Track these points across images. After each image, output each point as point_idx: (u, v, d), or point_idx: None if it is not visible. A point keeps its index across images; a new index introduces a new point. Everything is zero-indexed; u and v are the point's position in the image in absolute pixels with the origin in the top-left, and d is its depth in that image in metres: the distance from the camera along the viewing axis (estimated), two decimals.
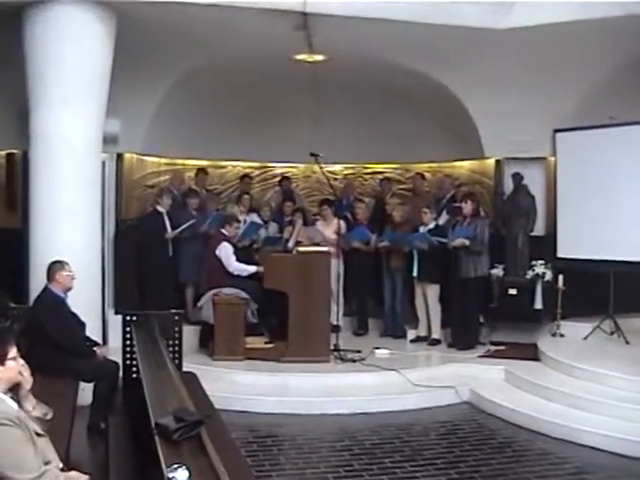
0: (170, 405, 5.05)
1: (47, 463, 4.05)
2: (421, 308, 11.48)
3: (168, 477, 3.63)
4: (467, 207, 10.99)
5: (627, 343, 10.46)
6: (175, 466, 3.70)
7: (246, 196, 12.80)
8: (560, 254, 11.73)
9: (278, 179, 14.18)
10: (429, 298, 11.33)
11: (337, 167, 14.09)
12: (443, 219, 11.84)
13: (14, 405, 4.14)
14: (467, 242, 10.72)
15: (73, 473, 4.40)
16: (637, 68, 10.76)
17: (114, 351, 8.73)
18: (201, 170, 13.26)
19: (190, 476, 3.64)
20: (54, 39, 8.93)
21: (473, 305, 10.98)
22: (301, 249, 10.74)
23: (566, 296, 11.10)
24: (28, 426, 4.04)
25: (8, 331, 4.40)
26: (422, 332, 11.54)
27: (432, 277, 11.28)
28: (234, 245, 11.03)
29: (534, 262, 11.55)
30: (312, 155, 10.79)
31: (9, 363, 4.16)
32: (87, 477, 4.41)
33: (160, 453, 4.13)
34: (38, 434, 4.15)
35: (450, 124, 12.62)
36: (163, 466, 3.87)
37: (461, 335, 11.04)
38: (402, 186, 13.76)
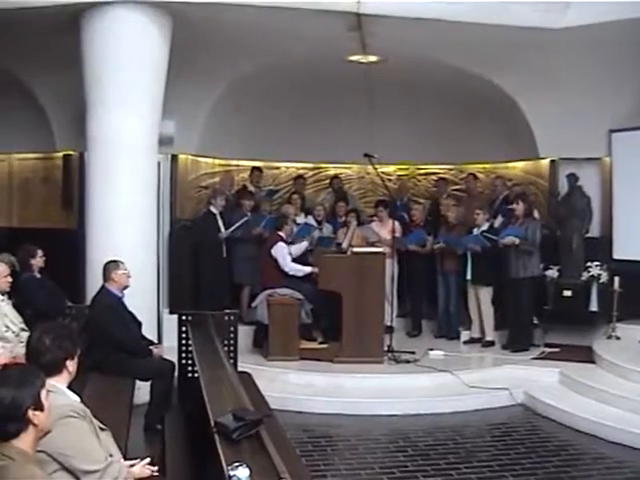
0: (228, 404, 5.10)
1: (110, 456, 4.11)
2: (474, 310, 11.43)
3: (229, 475, 3.67)
4: (519, 208, 10.93)
5: None
6: (236, 464, 3.73)
7: (294, 196, 12.87)
8: (616, 255, 11.62)
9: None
10: (482, 300, 11.26)
11: (391, 168, 14.07)
12: (498, 222, 11.74)
13: (77, 399, 4.21)
14: (517, 240, 10.64)
15: (135, 468, 4.43)
16: None
17: (168, 350, 8.79)
18: (256, 169, 13.31)
19: (251, 474, 3.67)
20: (111, 42, 9.04)
21: (524, 306, 10.89)
22: (356, 250, 10.73)
23: (622, 298, 10.97)
24: (92, 419, 4.11)
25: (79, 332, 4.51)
26: (475, 334, 11.49)
27: (485, 280, 11.22)
28: (289, 245, 11.08)
29: (589, 264, 11.42)
30: (366, 156, 10.79)
31: (76, 359, 4.28)
32: (148, 460, 4.46)
33: (220, 451, 4.16)
34: (101, 428, 4.23)
35: (504, 124, 12.54)
36: (223, 464, 3.90)
37: (514, 337, 10.98)
38: (456, 187, 13.70)
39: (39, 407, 3.48)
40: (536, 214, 11.48)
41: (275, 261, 10.82)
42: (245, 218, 11.79)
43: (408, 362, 10.32)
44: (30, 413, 3.44)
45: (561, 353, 10.73)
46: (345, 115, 13.15)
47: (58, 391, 4.00)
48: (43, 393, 3.53)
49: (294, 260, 11.00)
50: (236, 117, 12.43)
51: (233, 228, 11.63)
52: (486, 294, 11.22)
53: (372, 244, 11.37)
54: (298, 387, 9.58)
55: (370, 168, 12.49)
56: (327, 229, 12.49)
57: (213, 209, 11.78)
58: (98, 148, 9.34)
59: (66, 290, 9.51)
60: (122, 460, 4.33)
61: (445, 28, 9.63)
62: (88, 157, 9.62)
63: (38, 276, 9.08)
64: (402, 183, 14.00)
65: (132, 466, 4.38)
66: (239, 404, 5.16)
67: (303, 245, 11.50)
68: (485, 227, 11.21)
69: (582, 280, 11.41)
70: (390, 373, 9.99)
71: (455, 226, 11.63)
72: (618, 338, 10.99)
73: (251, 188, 12.94)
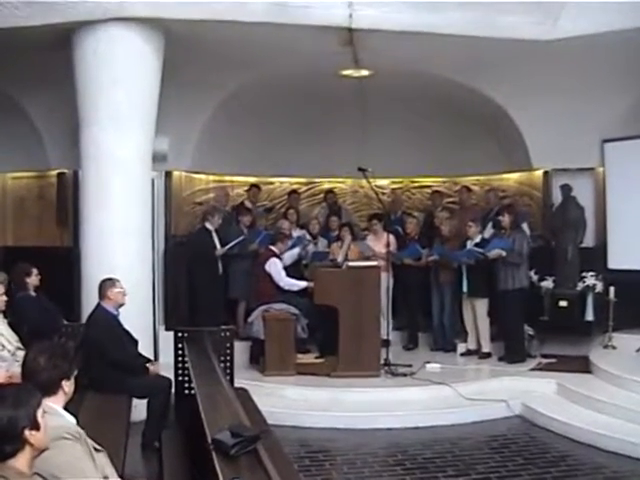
0: (225, 421, 5.07)
1: (105, 478, 4.09)
2: (469, 322, 11.42)
3: None
4: (505, 220, 10.97)
5: None
6: None
7: (291, 210, 12.90)
8: (611, 265, 11.65)
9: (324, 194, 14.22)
10: (478, 312, 11.25)
11: (384, 181, 14.08)
12: (488, 232, 11.76)
13: (73, 420, 4.19)
14: (503, 253, 10.67)
15: None
16: None
17: (165, 367, 8.76)
18: (254, 186, 13.35)
19: None
20: (103, 59, 9.06)
21: (514, 317, 10.88)
22: (351, 264, 10.72)
23: (617, 307, 10.98)
24: (87, 441, 4.08)
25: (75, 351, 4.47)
26: (472, 346, 11.47)
27: (481, 292, 11.20)
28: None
29: (584, 274, 11.44)
30: (360, 170, 10.79)
31: (72, 379, 4.25)
32: None
33: (217, 468, 4.15)
34: (96, 449, 4.20)
35: (498, 136, 12.60)
36: None
37: (510, 348, 10.97)
38: (450, 199, 13.71)
39: (35, 426, 3.47)
40: (525, 226, 11.53)
41: (270, 276, 10.84)
42: (242, 237, 11.80)
43: (405, 375, 10.30)
44: (27, 433, 3.42)
45: (558, 364, 10.75)
46: (338, 129, 13.22)
47: (53, 412, 3.96)
48: (39, 412, 3.52)
49: (288, 273, 11.04)
50: (230, 133, 12.47)
51: (229, 246, 11.64)
52: (482, 306, 11.21)
53: (367, 258, 11.35)
54: (295, 402, 9.56)
55: (364, 182, 12.51)
56: (322, 243, 12.50)
57: (209, 225, 11.77)
58: (92, 166, 9.34)
59: (61, 308, 9.48)
60: None
61: (437, 41, 9.66)
62: (82, 175, 9.65)
63: (33, 294, 9.06)
64: (396, 197, 14.02)
65: None
66: (236, 420, 5.14)
67: (295, 252, 11.56)
68: (478, 239, 11.20)
69: (577, 290, 11.42)
70: (387, 387, 9.96)
71: (449, 239, 11.63)
72: (614, 348, 10.97)
73: (248, 205, 12.95)
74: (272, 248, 11.14)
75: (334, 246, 12.01)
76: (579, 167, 11.98)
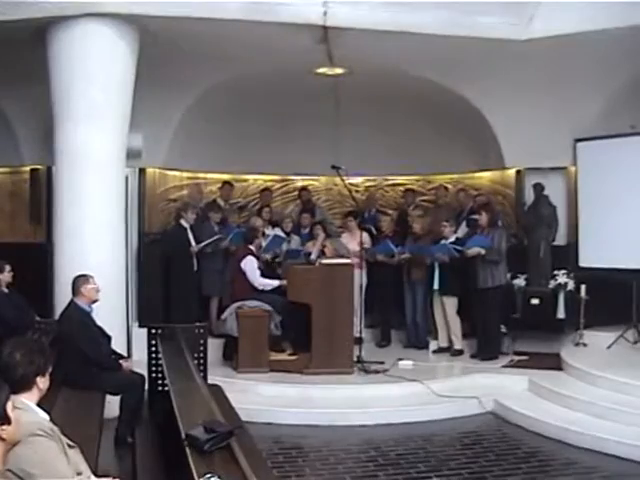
0: (199, 417, 5.08)
1: (79, 474, 4.09)
2: (440, 319, 11.47)
3: None
4: (482, 218, 11.01)
5: None
6: (207, 476, 3.73)
7: (266, 209, 12.87)
8: (582, 263, 11.73)
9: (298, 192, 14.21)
10: (447, 310, 11.31)
11: (358, 179, 14.11)
12: (462, 232, 11.81)
13: (46, 416, 4.18)
14: (483, 251, 10.71)
15: None
16: None
17: (138, 364, 8.77)
18: (226, 183, 13.27)
19: None
20: (78, 55, 9.02)
21: (492, 315, 10.94)
22: (324, 261, 10.73)
23: (589, 305, 11.06)
24: (61, 438, 4.08)
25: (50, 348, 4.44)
26: (443, 343, 11.52)
27: (451, 290, 11.25)
28: (258, 258, 11.10)
29: (556, 272, 11.55)
30: (333, 168, 10.80)
31: (47, 376, 4.24)
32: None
33: (191, 463, 4.16)
34: (70, 445, 4.19)
35: (471, 135, 12.63)
36: (195, 476, 3.90)
37: (483, 345, 11.04)
38: (423, 197, 13.75)
39: (6, 421, 3.46)
40: (499, 224, 11.54)
41: (244, 274, 10.83)
42: (217, 236, 11.78)
43: (378, 372, 10.34)
44: None
45: (529, 361, 10.82)
46: (312, 127, 13.18)
47: (27, 408, 3.95)
48: (9, 406, 3.52)
49: (262, 273, 11.03)
50: (204, 130, 12.45)
51: (205, 244, 11.64)
52: (451, 304, 11.26)
53: (341, 256, 11.35)
54: (268, 399, 9.55)
55: (338, 180, 12.52)
56: (295, 241, 12.51)
57: (184, 222, 11.75)
58: (66, 162, 9.30)
59: (35, 304, 9.46)
60: (92, 477, 4.30)
61: (411, 40, 9.70)
62: (56, 171, 9.58)
63: (6, 291, 9.03)
64: (370, 194, 14.06)
65: None
66: (210, 416, 5.15)
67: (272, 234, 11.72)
68: (452, 239, 11.25)
69: (549, 288, 11.52)
70: (360, 383, 10.00)
71: (421, 236, 11.66)
72: (585, 345, 11.07)
73: (221, 203, 12.91)
74: (249, 247, 11.10)
75: (309, 244, 12.04)
76: (551, 166, 12.07)
